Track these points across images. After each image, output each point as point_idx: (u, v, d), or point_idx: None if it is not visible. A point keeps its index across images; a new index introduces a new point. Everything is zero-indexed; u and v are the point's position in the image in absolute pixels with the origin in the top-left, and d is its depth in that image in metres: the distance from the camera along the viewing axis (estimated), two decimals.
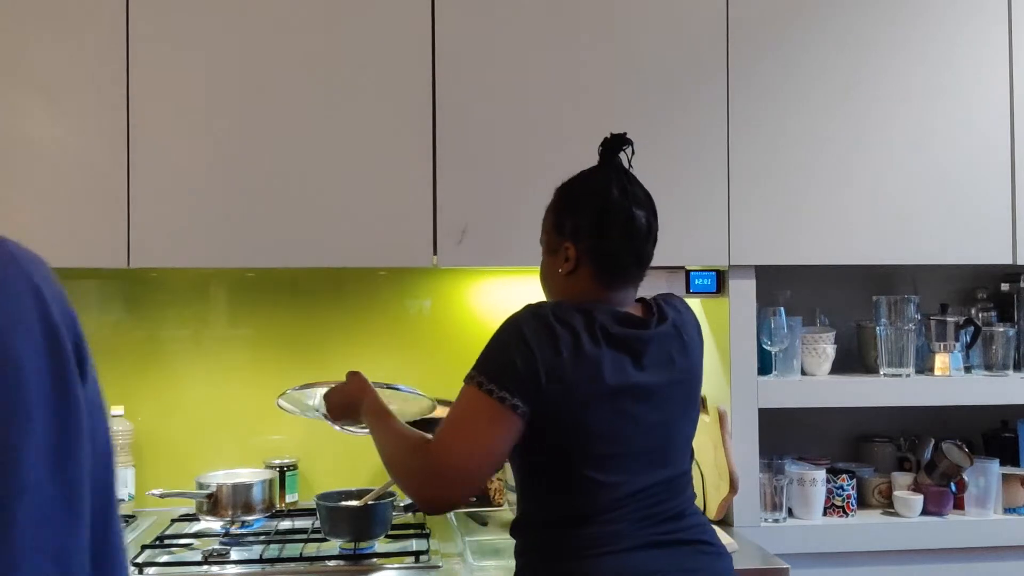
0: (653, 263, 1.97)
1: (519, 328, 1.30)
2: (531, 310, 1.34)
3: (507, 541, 1.93)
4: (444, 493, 1.30)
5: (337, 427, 1.71)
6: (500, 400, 1.27)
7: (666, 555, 1.35)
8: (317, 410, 1.75)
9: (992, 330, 2.22)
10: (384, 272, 2.33)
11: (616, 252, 1.40)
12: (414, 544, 1.89)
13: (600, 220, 1.39)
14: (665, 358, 1.39)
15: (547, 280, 1.50)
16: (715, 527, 1.92)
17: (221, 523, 1.96)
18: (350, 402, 1.59)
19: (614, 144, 1.45)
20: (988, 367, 2.23)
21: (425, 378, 2.35)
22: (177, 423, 2.26)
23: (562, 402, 1.29)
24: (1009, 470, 2.19)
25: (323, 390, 1.71)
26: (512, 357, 1.28)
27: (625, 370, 1.34)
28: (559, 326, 1.30)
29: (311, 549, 1.84)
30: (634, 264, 1.42)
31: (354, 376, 1.64)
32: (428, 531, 1.94)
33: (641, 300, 1.48)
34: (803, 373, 2.19)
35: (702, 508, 2.09)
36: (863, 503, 2.21)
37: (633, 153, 1.44)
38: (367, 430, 1.54)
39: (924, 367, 2.22)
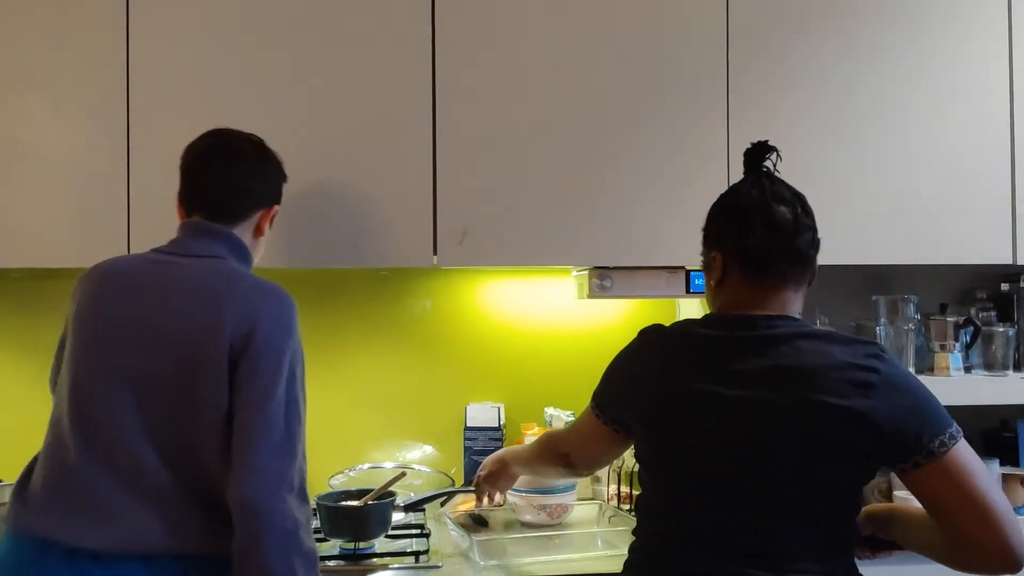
0: (653, 263, 2.02)
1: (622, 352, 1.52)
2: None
3: (508, 541, 1.93)
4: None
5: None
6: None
7: None
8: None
9: (992, 330, 2.22)
10: (385, 272, 2.33)
11: (760, 248, 1.38)
12: (414, 544, 1.89)
13: (740, 219, 1.40)
14: (758, 366, 1.31)
15: (706, 296, 1.49)
16: None
17: None
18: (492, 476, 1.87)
19: (755, 153, 1.44)
20: (988, 367, 2.22)
21: (425, 378, 2.36)
22: None
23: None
24: (1009, 470, 2.18)
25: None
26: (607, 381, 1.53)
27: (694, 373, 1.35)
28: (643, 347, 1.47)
29: None
30: (784, 259, 1.38)
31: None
32: (428, 531, 1.94)
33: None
34: None
35: None
36: (863, 503, 2.20)
37: (779, 159, 1.44)
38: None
39: (924, 367, 2.21)
